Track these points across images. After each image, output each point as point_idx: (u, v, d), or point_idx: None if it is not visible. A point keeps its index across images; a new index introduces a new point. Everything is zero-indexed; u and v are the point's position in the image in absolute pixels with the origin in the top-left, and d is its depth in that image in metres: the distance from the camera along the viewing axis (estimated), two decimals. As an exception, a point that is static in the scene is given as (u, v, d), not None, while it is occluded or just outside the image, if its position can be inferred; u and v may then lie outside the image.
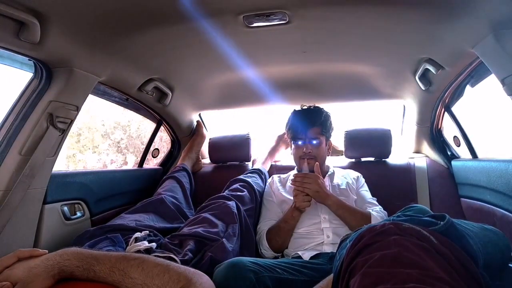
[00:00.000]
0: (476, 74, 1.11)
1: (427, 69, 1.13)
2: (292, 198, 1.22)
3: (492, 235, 0.73)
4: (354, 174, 1.38)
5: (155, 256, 0.66)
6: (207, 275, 0.82)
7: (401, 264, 0.47)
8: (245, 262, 0.83)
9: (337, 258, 0.71)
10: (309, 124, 1.28)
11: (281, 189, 1.34)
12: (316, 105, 1.38)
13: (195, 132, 1.79)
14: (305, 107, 1.36)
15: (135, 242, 0.88)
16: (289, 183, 1.33)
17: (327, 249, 1.10)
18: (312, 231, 1.16)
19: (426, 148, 1.60)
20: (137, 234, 0.92)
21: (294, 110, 1.37)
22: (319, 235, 1.15)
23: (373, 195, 1.32)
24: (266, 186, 1.42)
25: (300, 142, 1.30)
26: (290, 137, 1.35)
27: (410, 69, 1.22)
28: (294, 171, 1.40)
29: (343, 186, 1.29)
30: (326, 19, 0.90)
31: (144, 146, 1.72)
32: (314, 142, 1.28)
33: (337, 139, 1.71)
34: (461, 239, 0.57)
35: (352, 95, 1.61)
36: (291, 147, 1.38)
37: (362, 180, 1.36)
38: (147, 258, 0.61)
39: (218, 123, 2.05)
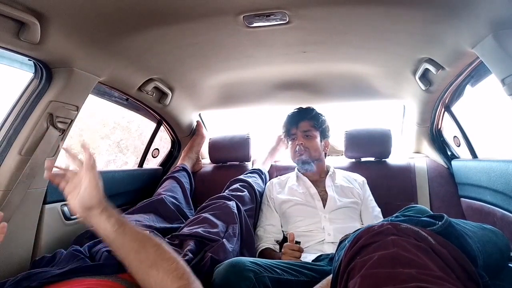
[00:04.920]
0: (476, 74, 1.11)
1: (427, 69, 1.13)
2: (291, 198, 1.25)
3: (491, 234, 0.73)
4: (359, 178, 1.37)
5: None
6: (207, 275, 0.82)
7: (400, 264, 0.47)
8: (245, 262, 0.83)
9: (336, 259, 0.71)
10: (300, 119, 1.35)
11: (280, 191, 1.35)
12: (316, 105, 1.40)
13: (195, 132, 1.79)
14: (296, 109, 1.43)
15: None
16: (289, 184, 1.35)
17: (328, 248, 1.10)
18: (312, 230, 1.16)
19: (426, 148, 1.60)
20: None
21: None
22: (319, 233, 1.15)
23: (373, 195, 1.32)
24: (265, 190, 1.43)
25: (293, 136, 1.35)
26: (284, 134, 1.41)
27: (410, 69, 1.22)
28: (294, 172, 1.40)
29: (346, 185, 1.30)
30: (326, 19, 0.90)
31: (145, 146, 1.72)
32: (306, 134, 1.33)
33: (337, 139, 1.71)
34: (459, 239, 0.57)
35: (352, 95, 1.61)
36: (287, 145, 1.44)
37: (367, 187, 1.36)
38: (163, 242, 0.65)
39: (218, 123, 2.04)
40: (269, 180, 1.49)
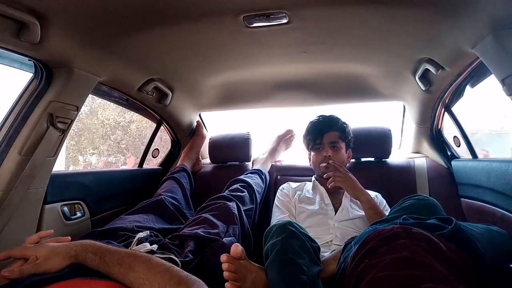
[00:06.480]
0: (476, 74, 1.11)
1: (427, 69, 1.13)
2: (305, 206, 1.24)
3: (498, 235, 0.73)
4: (372, 194, 1.30)
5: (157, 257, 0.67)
6: (207, 276, 0.82)
7: (412, 267, 0.47)
8: (297, 225, 0.87)
9: (341, 261, 0.71)
10: (327, 129, 1.30)
11: (297, 199, 1.30)
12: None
13: (195, 132, 1.79)
14: (319, 117, 1.37)
15: (138, 242, 0.88)
16: (305, 192, 1.32)
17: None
18: (320, 231, 1.16)
19: (426, 148, 1.60)
20: (140, 234, 0.92)
21: (310, 121, 1.38)
22: (327, 234, 1.15)
23: (373, 195, 1.31)
24: (280, 192, 1.36)
25: (319, 147, 1.30)
26: (307, 143, 1.35)
27: (410, 69, 1.22)
28: (309, 183, 1.37)
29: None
30: (326, 19, 0.90)
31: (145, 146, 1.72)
32: (333, 145, 1.28)
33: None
34: (469, 243, 0.57)
35: (352, 95, 1.61)
36: (309, 155, 1.38)
37: (382, 199, 1.31)
38: (152, 257, 0.65)
39: (218, 123, 2.04)
40: (273, 179, 1.45)
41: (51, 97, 0.94)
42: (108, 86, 1.19)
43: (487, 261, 0.57)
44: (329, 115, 1.37)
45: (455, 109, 1.36)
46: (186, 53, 1.11)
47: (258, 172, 1.52)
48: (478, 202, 1.21)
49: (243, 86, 1.50)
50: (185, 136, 1.79)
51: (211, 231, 1.01)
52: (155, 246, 0.88)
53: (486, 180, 1.11)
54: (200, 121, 1.84)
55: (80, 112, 1.07)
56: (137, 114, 1.73)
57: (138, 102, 1.42)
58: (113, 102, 1.44)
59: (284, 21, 0.88)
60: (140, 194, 1.52)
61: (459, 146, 1.41)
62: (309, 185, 1.36)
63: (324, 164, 1.26)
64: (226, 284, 0.76)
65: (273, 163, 1.69)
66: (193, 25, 0.91)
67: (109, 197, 1.34)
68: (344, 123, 1.35)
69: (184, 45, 1.04)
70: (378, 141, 1.54)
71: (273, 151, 1.70)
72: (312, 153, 1.34)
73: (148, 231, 0.97)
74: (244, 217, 1.19)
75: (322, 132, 1.29)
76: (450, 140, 1.46)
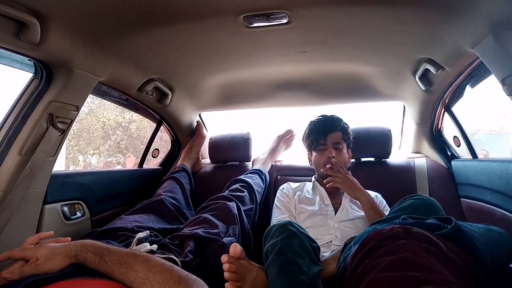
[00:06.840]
0: (476, 74, 1.11)
1: (427, 69, 1.13)
2: (305, 207, 1.23)
3: (497, 235, 0.73)
4: (372, 194, 1.29)
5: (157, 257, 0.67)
6: (207, 276, 0.82)
7: (412, 268, 0.47)
8: (297, 225, 0.86)
9: (341, 261, 0.71)
10: (331, 129, 1.29)
11: (297, 199, 1.30)
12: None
13: (195, 132, 1.79)
14: (321, 117, 1.37)
15: (138, 242, 0.88)
16: (304, 193, 1.32)
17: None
18: (320, 231, 1.15)
19: (426, 148, 1.60)
20: (140, 234, 0.92)
21: (311, 120, 1.38)
22: (327, 235, 1.15)
23: (373, 195, 1.31)
24: (280, 192, 1.36)
25: (322, 148, 1.29)
26: (309, 144, 1.34)
27: (410, 69, 1.22)
28: (309, 183, 1.37)
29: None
30: (326, 19, 0.90)
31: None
32: (336, 146, 1.28)
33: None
34: (469, 243, 0.57)
35: (352, 95, 1.61)
36: (310, 155, 1.38)
37: (382, 199, 1.31)
38: (152, 256, 0.65)
39: (218, 123, 2.05)
40: (273, 179, 1.44)
41: (51, 97, 0.94)
42: (108, 86, 1.19)
43: (486, 261, 0.57)
44: (331, 115, 1.36)
45: (455, 109, 1.36)
46: (186, 53, 1.11)
47: (258, 172, 1.52)
48: (478, 202, 1.21)
49: (243, 86, 1.50)
50: (185, 136, 1.79)
51: (211, 231, 1.01)
52: (155, 246, 0.88)
53: (486, 180, 1.11)
54: (200, 121, 1.84)
55: (80, 112, 1.07)
56: (137, 114, 1.73)
57: (138, 102, 1.42)
58: (113, 102, 1.44)
59: (284, 21, 0.88)
60: (140, 194, 1.52)
61: (459, 146, 1.41)
62: (309, 186, 1.35)
63: (329, 165, 1.24)
64: (226, 284, 0.76)
65: (273, 163, 1.69)
66: (193, 25, 0.91)
67: (109, 197, 1.34)
68: (346, 123, 1.35)
69: (184, 45, 1.04)
70: (378, 141, 1.54)
71: (273, 151, 1.70)
72: (314, 153, 1.33)
73: (148, 231, 0.97)
74: (244, 217, 1.19)
75: (326, 133, 1.28)
76: (450, 140, 1.46)
